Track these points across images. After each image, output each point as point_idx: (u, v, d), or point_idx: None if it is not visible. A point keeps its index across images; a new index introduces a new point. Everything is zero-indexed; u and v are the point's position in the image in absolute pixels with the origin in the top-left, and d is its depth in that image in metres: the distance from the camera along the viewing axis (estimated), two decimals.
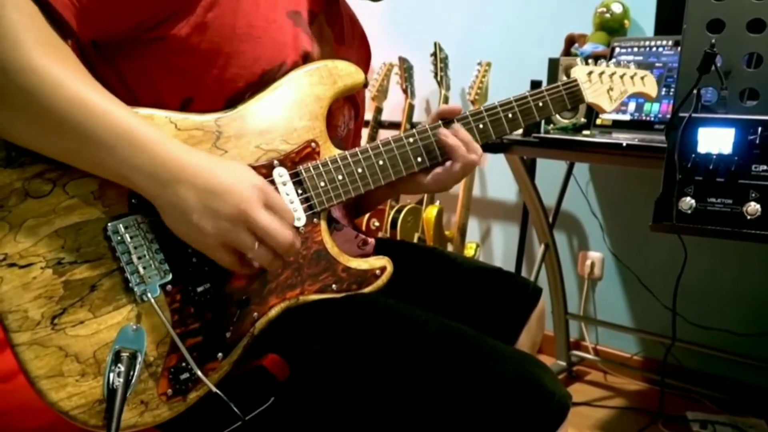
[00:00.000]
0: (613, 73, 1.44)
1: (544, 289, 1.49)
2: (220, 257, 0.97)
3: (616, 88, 1.43)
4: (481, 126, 1.26)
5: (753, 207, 1.33)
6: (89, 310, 0.94)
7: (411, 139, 1.21)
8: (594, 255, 3.01)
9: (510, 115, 1.28)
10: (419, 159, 1.22)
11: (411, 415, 1.02)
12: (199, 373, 1.01)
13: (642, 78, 1.48)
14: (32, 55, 0.86)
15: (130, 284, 0.97)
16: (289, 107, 1.12)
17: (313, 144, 1.13)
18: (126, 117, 0.91)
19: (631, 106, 2.26)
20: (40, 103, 0.87)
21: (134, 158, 0.90)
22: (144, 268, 0.97)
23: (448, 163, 1.24)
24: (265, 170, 1.08)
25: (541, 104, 1.31)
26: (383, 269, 1.18)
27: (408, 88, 3.18)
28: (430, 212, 3.11)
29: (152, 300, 0.97)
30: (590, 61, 1.44)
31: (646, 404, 2.68)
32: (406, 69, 3.20)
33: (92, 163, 0.92)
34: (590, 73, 1.41)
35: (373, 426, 1.04)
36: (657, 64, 2.25)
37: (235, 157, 1.05)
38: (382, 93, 3.29)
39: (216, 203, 0.92)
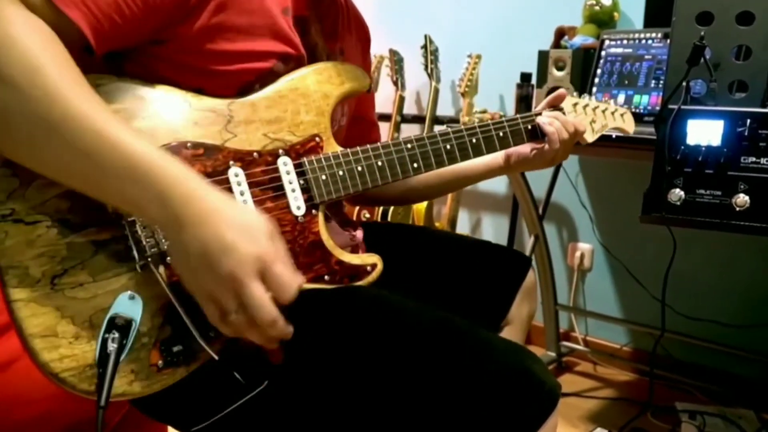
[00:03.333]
0: (596, 107, 1.52)
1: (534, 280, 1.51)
2: (204, 304, 0.92)
3: (598, 121, 1.51)
4: (473, 141, 1.32)
5: (742, 199, 1.34)
6: (89, 274, 0.94)
7: (409, 146, 1.24)
8: (583, 246, 3.02)
9: (501, 134, 1.35)
10: (415, 165, 1.25)
11: (402, 403, 1.03)
12: (202, 342, 1.00)
13: (622, 115, 1.57)
14: (54, 82, 0.84)
15: (132, 252, 0.97)
16: (296, 101, 1.15)
17: (317, 138, 1.16)
18: (147, 150, 0.88)
19: (621, 98, 2.26)
20: (62, 133, 0.84)
21: (152, 194, 0.87)
22: (147, 238, 0.98)
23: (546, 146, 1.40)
24: (271, 158, 1.10)
25: (530, 127, 1.39)
26: (374, 266, 1.20)
27: (398, 81, 3.18)
28: (420, 204, 3.11)
29: (154, 270, 0.98)
30: (575, 93, 1.50)
31: (635, 395, 2.69)
32: (397, 61, 3.20)
33: (108, 194, 0.90)
34: (575, 104, 1.48)
35: (364, 414, 1.05)
36: (646, 57, 2.26)
37: (242, 143, 1.07)
38: (373, 85, 3.29)
39: (215, 259, 0.87)
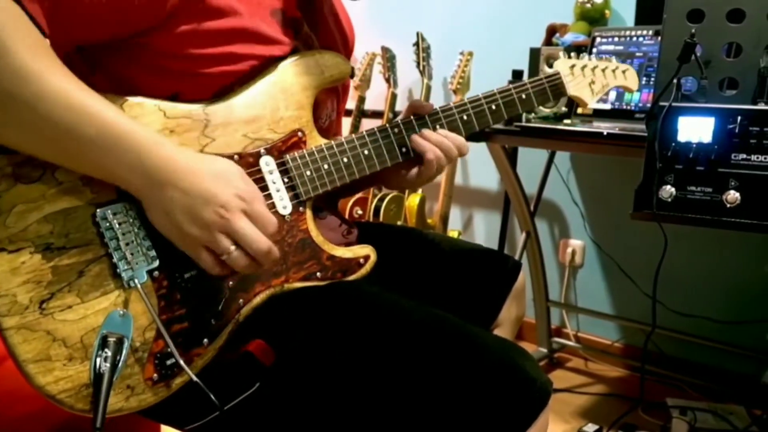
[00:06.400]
0: (595, 67, 1.45)
1: (526, 277, 1.51)
2: (200, 257, 0.99)
3: (597, 82, 1.45)
4: (465, 117, 1.28)
5: (732, 195, 1.35)
6: (77, 295, 0.94)
7: (396, 130, 1.22)
8: (575, 243, 3.03)
9: (493, 107, 1.30)
10: (404, 149, 1.23)
11: (394, 401, 1.03)
12: (181, 362, 1.01)
13: (624, 72, 1.50)
14: (25, 60, 0.86)
15: (118, 270, 0.97)
16: (275, 97, 1.12)
17: (299, 133, 1.14)
18: (119, 119, 0.93)
19: (612, 95, 2.27)
20: (37, 110, 0.87)
21: (128, 161, 0.92)
22: (131, 254, 0.98)
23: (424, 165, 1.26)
24: (252, 159, 1.09)
25: (524, 96, 1.33)
26: (367, 258, 1.20)
27: (391, 78, 3.19)
28: (413, 200, 3.12)
29: (139, 286, 0.98)
30: (572, 54, 1.45)
31: (626, 391, 2.71)
32: (389, 58, 3.20)
33: (85, 165, 0.94)
34: (573, 66, 1.42)
35: (357, 412, 1.05)
36: (637, 54, 2.27)
37: (221, 146, 1.07)
38: (365, 82, 3.29)
39: (199, 209, 0.95)
